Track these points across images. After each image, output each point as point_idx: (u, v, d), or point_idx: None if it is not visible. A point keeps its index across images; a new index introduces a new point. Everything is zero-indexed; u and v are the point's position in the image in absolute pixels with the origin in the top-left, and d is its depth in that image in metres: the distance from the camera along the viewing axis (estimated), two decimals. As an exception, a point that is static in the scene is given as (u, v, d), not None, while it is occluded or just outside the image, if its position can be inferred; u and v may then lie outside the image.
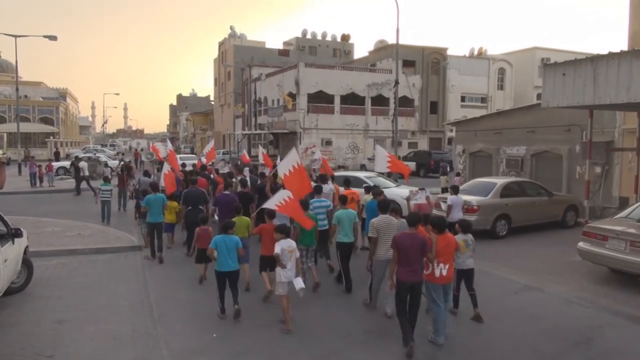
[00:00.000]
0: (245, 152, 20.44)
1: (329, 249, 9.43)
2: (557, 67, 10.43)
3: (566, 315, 7.37)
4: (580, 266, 9.66)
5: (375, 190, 9.39)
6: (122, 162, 19.38)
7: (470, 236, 7.04)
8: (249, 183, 11.36)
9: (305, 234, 8.12)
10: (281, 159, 11.60)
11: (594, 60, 9.59)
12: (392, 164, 12.02)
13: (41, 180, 24.11)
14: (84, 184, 21.36)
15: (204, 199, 10.75)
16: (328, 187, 10.69)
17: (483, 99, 47.21)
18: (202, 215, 9.22)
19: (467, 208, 12.55)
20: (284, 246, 6.67)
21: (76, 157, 23.66)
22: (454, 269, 6.53)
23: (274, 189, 10.19)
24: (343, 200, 8.77)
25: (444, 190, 19.09)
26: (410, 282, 5.89)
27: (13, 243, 7.54)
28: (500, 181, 13.74)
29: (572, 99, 10.17)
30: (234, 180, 12.34)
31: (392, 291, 6.33)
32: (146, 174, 14.85)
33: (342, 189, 10.82)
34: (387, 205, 7.48)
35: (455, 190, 11.26)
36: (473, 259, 7.09)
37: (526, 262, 10.38)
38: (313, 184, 10.05)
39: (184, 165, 16.75)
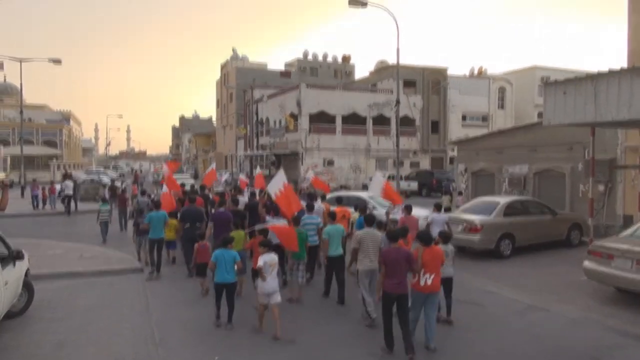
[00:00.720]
0: (242, 176, 20.59)
1: (314, 267, 9.91)
2: (558, 85, 10.48)
3: (572, 336, 7.26)
4: (586, 286, 9.55)
5: (360, 207, 10.06)
6: (113, 182, 19.79)
7: (450, 247, 7.56)
8: (240, 202, 11.94)
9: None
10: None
11: (594, 78, 9.64)
12: (385, 192, 12.22)
13: (44, 203, 24.13)
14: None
15: (201, 216, 11.10)
16: (317, 205, 10.92)
17: (484, 118, 47.42)
18: (199, 231, 9.86)
19: (470, 227, 12.51)
20: (267, 259, 7.01)
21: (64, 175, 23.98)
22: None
23: (269, 207, 10.76)
24: (333, 216, 9.17)
25: (447, 209, 19.03)
26: (396, 293, 6.26)
27: (14, 266, 7.50)
28: (503, 200, 13.69)
29: (573, 116, 10.19)
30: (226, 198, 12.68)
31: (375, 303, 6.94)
32: (144, 193, 15.03)
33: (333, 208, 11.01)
34: (372, 219, 7.92)
35: (438, 208, 11.34)
36: (453, 268, 7.53)
37: (531, 282, 10.27)
38: (303, 202, 10.58)
39: (182, 185, 16.87)
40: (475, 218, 12.69)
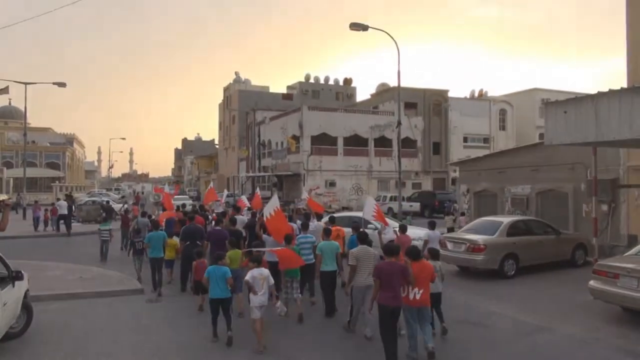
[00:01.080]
0: (243, 197, 20.95)
1: (314, 285, 9.78)
2: (559, 105, 10.50)
3: (579, 357, 7.12)
4: (592, 305, 9.41)
5: (354, 225, 10.34)
6: (107, 203, 20.49)
7: (439, 263, 7.78)
8: (239, 221, 12.31)
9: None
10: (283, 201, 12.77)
11: (594, 98, 9.66)
12: (377, 214, 12.56)
13: (46, 224, 24.10)
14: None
15: (200, 234, 11.33)
16: (313, 224, 11.20)
17: (485, 139, 47.57)
18: (197, 249, 9.80)
19: (474, 247, 12.41)
20: (255, 274, 7.23)
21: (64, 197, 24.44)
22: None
23: (266, 227, 10.81)
24: (327, 233, 9.53)
25: (450, 229, 18.94)
26: (391, 306, 6.43)
27: (13, 286, 7.43)
28: (506, 220, 13.62)
29: (574, 136, 10.18)
30: (225, 217, 13.03)
31: (371, 315, 7.20)
32: (144, 214, 15.31)
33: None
34: (365, 237, 8.29)
35: (432, 225, 11.82)
36: (441, 284, 7.69)
37: (537, 302, 10.13)
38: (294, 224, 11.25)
39: (184, 205, 17.16)
40: (479, 238, 12.60)
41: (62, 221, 23.28)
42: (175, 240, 11.83)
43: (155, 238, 11.01)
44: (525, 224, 13.80)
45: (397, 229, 11.41)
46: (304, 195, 18.86)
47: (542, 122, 12.71)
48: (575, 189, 16.58)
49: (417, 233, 13.39)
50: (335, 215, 15.59)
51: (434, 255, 7.72)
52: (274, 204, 10.35)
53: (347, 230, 11.13)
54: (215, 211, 15.70)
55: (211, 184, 22.38)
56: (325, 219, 12.58)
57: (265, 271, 7.39)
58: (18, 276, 7.59)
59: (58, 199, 25.72)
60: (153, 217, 15.43)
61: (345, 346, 7.52)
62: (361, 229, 9.74)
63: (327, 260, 8.88)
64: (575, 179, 16.45)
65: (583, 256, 14.04)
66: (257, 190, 21.37)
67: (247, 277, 7.25)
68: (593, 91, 9.74)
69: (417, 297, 6.65)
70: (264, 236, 10.56)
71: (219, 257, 7.86)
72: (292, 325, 8.46)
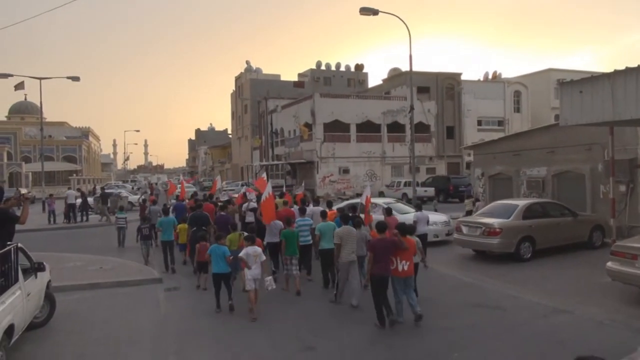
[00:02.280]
0: (252, 186, 23.07)
1: (310, 264, 10.96)
2: (574, 85, 10.32)
3: (599, 339, 7.07)
4: (610, 287, 9.32)
5: (339, 209, 12.12)
6: (103, 190, 24.53)
7: (416, 238, 8.52)
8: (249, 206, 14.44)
9: (288, 246, 9.83)
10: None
11: (610, 76, 9.47)
12: (366, 203, 12.69)
13: (66, 217, 24.57)
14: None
15: (206, 220, 12.31)
16: (310, 209, 12.27)
17: (500, 122, 46.99)
18: (200, 233, 10.94)
19: (489, 231, 12.34)
20: (250, 251, 8.28)
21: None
22: None
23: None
24: (323, 215, 10.72)
25: (468, 213, 18.83)
26: (382, 275, 7.56)
27: (36, 277, 7.61)
28: (522, 203, 13.50)
29: (591, 116, 10.02)
30: (230, 205, 14.82)
31: (359, 287, 8.71)
32: (155, 202, 16.72)
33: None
34: (347, 218, 9.62)
35: (419, 207, 12.94)
36: (417, 256, 8.35)
37: (554, 285, 10.07)
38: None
39: (195, 193, 18.14)
40: (494, 221, 12.52)
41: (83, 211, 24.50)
42: (185, 225, 12.73)
43: (165, 223, 12.31)
44: (541, 207, 13.66)
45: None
46: (300, 189, 20.39)
47: (557, 103, 12.50)
48: (592, 170, 16.33)
49: (436, 218, 15.05)
50: (350, 201, 15.74)
51: (404, 231, 8.00)
52: (268, 190, 11.44)
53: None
54: (222, 199, 17.53)
55: (218, 177, 25.57)
56: (342, 204, 13.59)
57: (257, 249, 8.44)
58: (40, 267, 7.76)
59: (69, 189, 27.04)
60: (168, 205, 15.77)
61: (336, 313, 8.61)
62: (357, 214, 10.84)
63: (325, 239, 9.79)
64: (592, 159, 16.19)
65: (601, 238, 13.88)
66: (263, 175, 22.75)
67: (242, 253, 8.35)
68: (610, 70, 9.56)
69: (405, 268, 7.63)
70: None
71: (219, 237, 8.91)
72: (291, 297, 9.51)
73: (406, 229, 7.91)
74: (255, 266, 8.23)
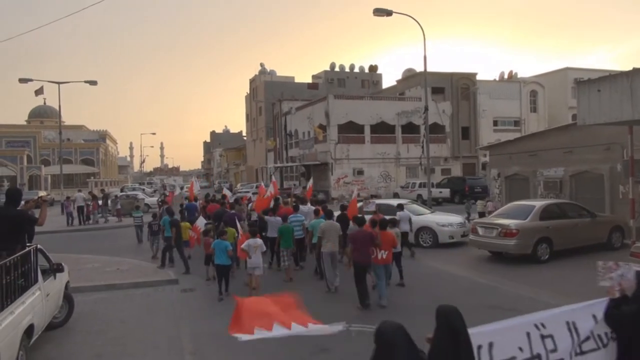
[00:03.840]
0: (262, 183, 24.04)
1: (304, 256, 12.63)
2: (592, 83, 10.19)
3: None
4: (631, 289, 9.14)
5: (322, 206, 13.06)
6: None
7: (397, 230, 10.57)
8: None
9: (283, 239, 11.12)
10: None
11: (629, 74, 9.34)
12: (351, 205, 13.93)
13: (88, 218, 24.97)
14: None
15: (231, 217, 13.19)
16: (306, 207, 13.49)
17: (516, 122, 46.45)
18: (205, 228, 12.24)
19: (506, 232, 12.21)
20: (251, 243, 9.42)
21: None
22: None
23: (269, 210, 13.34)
24: (316, 212, 11.92)
25: (481, 214, 18.68)
26: (362, 263, 8.73)
27: (55, 278, 7.73)
28: (539, 203, 13.33)
29: (609, 115, 9.88)
30: (237, 204, 15.80)
31: (344, 271, 9.91)
32: (164, 202, 18.20)
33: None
34: (331, 213, 11.34)
35: (401, 208, 13.84)
36: (400, 247, 10.40)
37: (571, 287, 9.91)
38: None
39: (208, 195, 20.52)
40: (511, 222, 12.39)
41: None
42: (188, 224, 13.86)
43: (168, 222, 13.03)
44: (558, 207, 13.47)
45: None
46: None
47: (574, 103, 12.34)
48: (611, 170, 16.08)
49: (452, 220, 15.80)
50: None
51: (383, 225, 9.19)
52: (270, 189, 14.58)
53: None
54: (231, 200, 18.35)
55: (193, 178, 27.41)
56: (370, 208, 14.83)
57: (258, 241, 9.59)
58: (59, 268, 7.89)
59: (79, 191, 27.92)
60: (183, 207, 17.12)
61: (321, 291, 9.97)
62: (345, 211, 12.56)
63: (317, 234, 10.64)
64: (611, 159, 15.95)
65: (620, 239, 13.64)
66: (273, 179, 23.70)
67: (244, 245, 9.44)
68: (628, 69, 9.41)
69: (384, 257, 8.82)
70: (266, 217, 12.62)
71: (222, 233, 10.22)
72: (284, 283, 10.67)
73: (384, 223, 9.20)
74: (255, 256, 9.34)
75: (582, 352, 3.62)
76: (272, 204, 14.20)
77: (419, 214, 15.84)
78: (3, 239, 6.54)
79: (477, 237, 13.09)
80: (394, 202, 16.99)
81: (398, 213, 13.32)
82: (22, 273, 6.31)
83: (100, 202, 26.34)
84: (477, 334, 3.19)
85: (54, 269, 7.75)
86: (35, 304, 6.58)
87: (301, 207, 13.18)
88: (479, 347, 3.18)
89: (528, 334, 3.46)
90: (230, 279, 10.04)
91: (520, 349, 3.36)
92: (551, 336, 3.53)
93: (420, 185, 33.25)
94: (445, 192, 32.64)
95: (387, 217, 10.81)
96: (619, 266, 4.55)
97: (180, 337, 7.69)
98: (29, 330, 6.24)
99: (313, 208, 13.00)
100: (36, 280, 6.84)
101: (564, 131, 18.44)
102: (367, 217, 10.63)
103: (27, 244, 6.81)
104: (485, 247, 13.16)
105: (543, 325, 3.57)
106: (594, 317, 3.78)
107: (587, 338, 3.68)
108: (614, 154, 15.72)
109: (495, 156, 22.37)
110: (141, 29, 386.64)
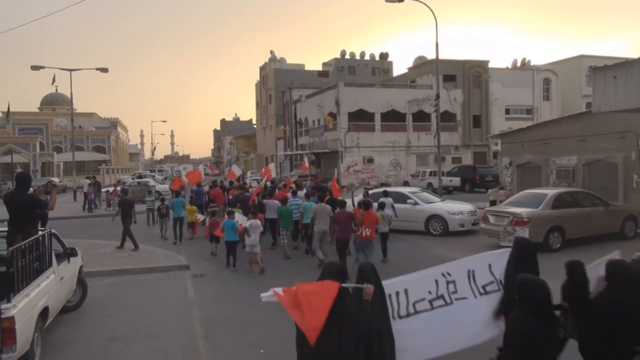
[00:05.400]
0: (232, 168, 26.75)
1: (297, 235, 13.63)
2: (608, 70, 10.02)
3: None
4: (644, 278, 9.05)
5: (311, 191, 14.21)
6: (94, 178, 26.63)
7: (385, 212, 12.03)
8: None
9: (283, 220, 12.50)
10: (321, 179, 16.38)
11: (647, 61, 9.16)
12: (333, 185, 15.89)
13: (108, 205, 25.15)
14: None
15: (245, 200, 14.57)
16: (302, 192, 14.59)
17: (528, 111, 45.92)
18: (210, 210, 14.16)
19: (517, 220, 12.12)
20: (252, 224, 10.96)
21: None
22: (378, 232, 11.02)
23: (265, 193, 15.67)
24: (307, 196, 13.31)
25: (492, 203, 18.57)
26: (343, 238, 10.27)
27: (69, 262, 7.82)
28: (551, 192, 13.21)
29: (625, 102, 9.73)
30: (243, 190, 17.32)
31: (329, 246, 11.28)
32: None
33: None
34: (322, 197, 12.81)
35: (385, 194, 14.48)
36: (387, 227, 11.72)
37: (583, 275, 9.84)
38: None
39: (216, 181, 21.55)
40: (523, 211, 12.30)
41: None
42: (194, 207, 15.79)
43: (176, 203, 15.13)
44: (571, 196, 13.35)
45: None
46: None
47: (589, 91, 12.19)
48: (625, 159, 15.88)
49: (462, 207, 15.87)
50: (374, 191, 16.02)
51: (367, 205, 10.32)
52: (265, 179, 17.60)
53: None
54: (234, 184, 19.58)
55: (234, 167, 28.21)
56: (360, 196, 15.22)
57: (257, 222, 11.16)
58: (72, 253, 7.98)
59: (86, 178, 28.16)
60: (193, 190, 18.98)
61: (313, 266, 10.83)
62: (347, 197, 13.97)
63: (308, 215, 12.03)
64: (626, 148, 15.74)
65: (634, 228, 13.50)
66: (269, 165, 24.91)
67: (246, 224, 10.96)
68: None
69: (367, 233, 9.92)
70: (264, 201, 14.19)
71: (230, 213, 11.71)
72: (282, 260, 12.14)
73: (367, 205, 10.33)
74: (254, 235, 10.78)
75: (487, 292, 4.65)
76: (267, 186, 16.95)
77: (429, 202, 15.81)
78: (16, 223, 6.63)
79: (488, 226, 13.03)
80: (404, 189, 17.05)
81: (381, 199, 13.67)
82: (37, 256, 6.39)
83: (109, 190, 26.67)
84: (397, 283, 4.39)
85: (68, 253, 7.83)
86: (49, 287, 6.67)
87: (298, 192, 14.66)
88: (397, 292, 4.29)
89: (436, 281, 4.56)
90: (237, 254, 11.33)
91: (429, 292, 4.48)
92: (454, 282, 4.61)
93: (430, 174, 33.11)
94: (456, 181, 32.47)
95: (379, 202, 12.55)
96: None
97: (191, 321, 7.77)
98: (44, 312, 6.34)
99: (303, 192, 14.44)
100: (50, 264, 6.93)
101: (577, 119, 18.21)
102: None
103: (41, 229, 6.89)
104: (496, 236, 13.10)
105: (448, 274, 4.64)
106: (490, 266, 4.78)
107: (491, 282, 4.71)
108: (629, 143, 15.51)
109: (507, 144, 22.19)
110: (151, 17, 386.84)
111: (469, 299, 4.58)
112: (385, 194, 14.59)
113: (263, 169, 25.69)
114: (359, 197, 14.99)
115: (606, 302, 3.89)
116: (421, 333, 4.30)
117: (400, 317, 4.24)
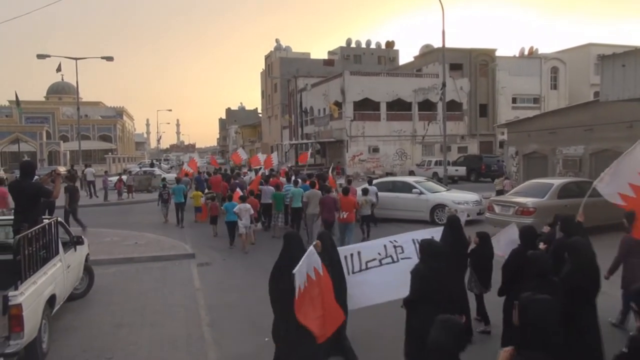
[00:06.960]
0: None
1: (288, 217, 14.50)
2: (616, 58, 9.91)
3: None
4: (650, 269, 9.01)
5: (304, 178, 15.74)
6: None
7: (369, 197, 13.25)
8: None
9: (277, 204, 13.90)
10: (326, 168, 16.86)
11: (656, 49, 9.04)
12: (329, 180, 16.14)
13: (120, 194, 25.21)
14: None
15: (243, 186, 15.69)
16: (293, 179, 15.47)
17: (535, 100, 45.52)
18: (210, 195, 15.59)
19: (523, 210, 12.09)
20: (242, 207, 12.07)
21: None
22: (360, 215, 12.76)
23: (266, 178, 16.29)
24: (295, 183, 14.40)
25: (499, 192, 18.50)
26: (328, 220, 11.28)
27: (75, 250, 7.89)
28: (557, 182, 13.15)
29: (634, 91, 9.62)
30: (239, 177, 18.99)
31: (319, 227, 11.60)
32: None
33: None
34: (314, 184, 13.30)
35: (369, 182, 15.18)
36: (368, 210, 13.04)
37: (589, 265, 9.81)
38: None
39: (220, 169, 22.83)
40: (528, 200, 12.26)
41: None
42: (200, 192, 17.06)
43: (177, 189, 16.21)
44: (577, 186, 13.24)
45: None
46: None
47: (597, 80, 12.06)
48: (633, 149, 15.73)
49: (468, 197, 15.91)
50: (379, 180, 16.05)
51: (346, 192, 11.80)
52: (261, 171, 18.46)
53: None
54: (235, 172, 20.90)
55: (238, 149, 29.93)
56: (364, 185, 15.29)
57: (247, 205, 12.18)
58: (79, 241, 8.04)
59: (90, 166, 28.47)
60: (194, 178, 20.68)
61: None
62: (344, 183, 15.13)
63: (296, 200, 13.38)
64: (634, 137, 15.42)
65: None
66: (259, 154, 25.96)
67: (236, 209, 12.06)
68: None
69: (344, 216, 11.31)
70: (260, 187, 14.93)
71: (230, 197, 13.57)
72: (272, 238, 13.31)
73: (345, 191, 11.88)
74: (245, 218, 11.99)
75: None
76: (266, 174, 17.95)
77: (435, 191, 15.77)
78: (22, 211, 6.68)
79: (494, 215, 13.00)
80: (409, 179, 17.02)
81: (364, 186, 14.53)
82: (44, 245, 6.44)
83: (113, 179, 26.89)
84: (352, 248, 6.34)
85: (74, 242, 7.90)
86: (56, 275, 6.73)
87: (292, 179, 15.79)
88: (352, 255, 6.00)
89: (385, 246, 6.15)
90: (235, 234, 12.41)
91: (379, 253, 6.06)
92: (401, 246, 6.16)
93: (436, 163, 33.00)
94: (462, 171, 32.36)
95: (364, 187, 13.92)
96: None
97: (197, 309, 7.84)
98: (51, 300, 6.41)
99: (293, 179, 15.52)
100: (57, 252, 6.99)
101: (585, 108, 18.04)
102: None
103: (47, 217, 6.94)
104: (501, 225, 13.00)
105: (396, 241, 6.24)
106: (432, 238, 5.54)
107: None
108: (636, 132, 15.31)
109: (514, 134, 22.02)
110: (157, 6, 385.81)
111: (412, 259, 5.71)
112: (370, 182, 15.40)
113: (265, 157, 25.34)
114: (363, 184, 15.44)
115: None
116: (365, 284, 5.82)
117: (353, 272, 5.90)
